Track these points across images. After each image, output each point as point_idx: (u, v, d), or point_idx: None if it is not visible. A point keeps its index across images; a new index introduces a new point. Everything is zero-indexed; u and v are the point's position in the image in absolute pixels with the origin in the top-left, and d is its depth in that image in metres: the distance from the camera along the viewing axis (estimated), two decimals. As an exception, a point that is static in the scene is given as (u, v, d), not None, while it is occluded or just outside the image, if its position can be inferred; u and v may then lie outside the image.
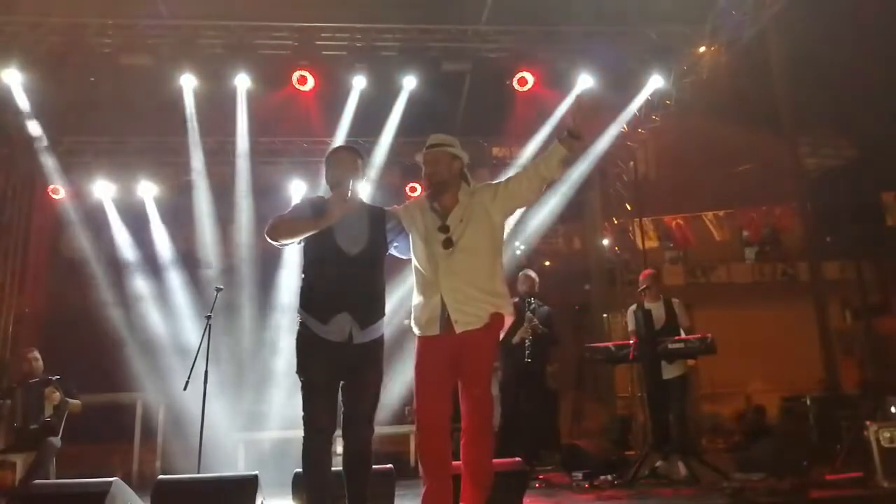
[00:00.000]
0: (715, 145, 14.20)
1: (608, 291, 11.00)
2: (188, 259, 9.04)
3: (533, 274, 6.60)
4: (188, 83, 7.66)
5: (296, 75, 7.68)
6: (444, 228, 3.45)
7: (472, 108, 9.43)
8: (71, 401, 6.02)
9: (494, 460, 3.61)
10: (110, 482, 3.86)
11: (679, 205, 13.18)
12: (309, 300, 3.44)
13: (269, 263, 8.82)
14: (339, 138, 8.45)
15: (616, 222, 10.71)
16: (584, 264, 11.77)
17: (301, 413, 3.32)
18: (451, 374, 3.38)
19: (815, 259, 6.23)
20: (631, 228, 10.61)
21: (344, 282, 3.40)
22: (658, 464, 5.72)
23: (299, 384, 3.37)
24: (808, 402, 6.37)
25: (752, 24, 7.57)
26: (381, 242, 3.57)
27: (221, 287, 5.37)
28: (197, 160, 8.31)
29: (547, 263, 12.29)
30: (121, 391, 7.60)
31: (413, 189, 10.10)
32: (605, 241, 11.06)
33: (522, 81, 8.05)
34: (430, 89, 8.36)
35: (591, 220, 11.43)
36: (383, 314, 3.52)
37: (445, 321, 3.37)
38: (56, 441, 5.82)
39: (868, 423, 4.48)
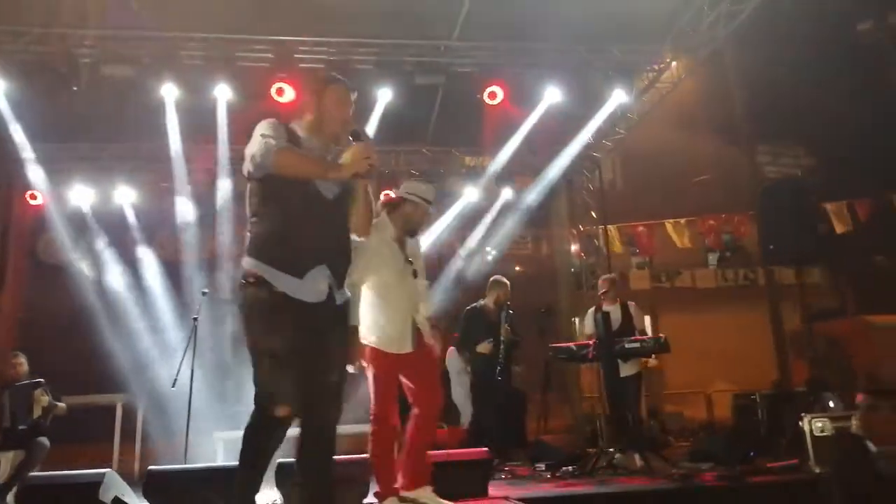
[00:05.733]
0: (679, 155, 14.77)
1: (575, 295, 11.41)
2: (167, 263, 9.25)
3: (506, 280, 6.82)
4: (169, 93, 7.88)
5: (274, 87, 7.95)
6: (409, 261, 4.05)
7: (445, 119, 9.80)
8: (58, 404, 6.24)
9: (462, 451, 4.52)
10: (104, 473, 4.10)
11: (644, 212, 13.66)
12: (275, 251, 2.79)
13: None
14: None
15: (582, 229, 11.15)
16: (553, 269, 12.17)
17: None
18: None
19: (768, 265, 6.71)
20: (597, 235, 11.02)
21: (322, 229, 2.90)
22: (616, 456, 6.12)
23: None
24: (758, 399, 6.82)
25: (709, 42, 8.05)
26: (352, 189, 3.05)
27: (207, 291, 5.63)
28: (179, 167, 8.50)
29: (518, 269, 12.67)
30: (101, 393, 7.78)
31: (388, 196, 10.39)
32: (573, 247, 11.48)
33: (492, 95, 8.41)
34: (404, 101, 8.70)
35: (559, 226, 11.84)
36: None
37: (416, 338, 3.96)
38: (45, 441, 6.03)
39: (803, 415, 4.92)
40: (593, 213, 10.91)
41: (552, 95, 8.49)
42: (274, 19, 7.82)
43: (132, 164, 9.56)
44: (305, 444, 2.73)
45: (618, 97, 8.58)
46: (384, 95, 8.37)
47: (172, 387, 5.12)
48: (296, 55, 8.06)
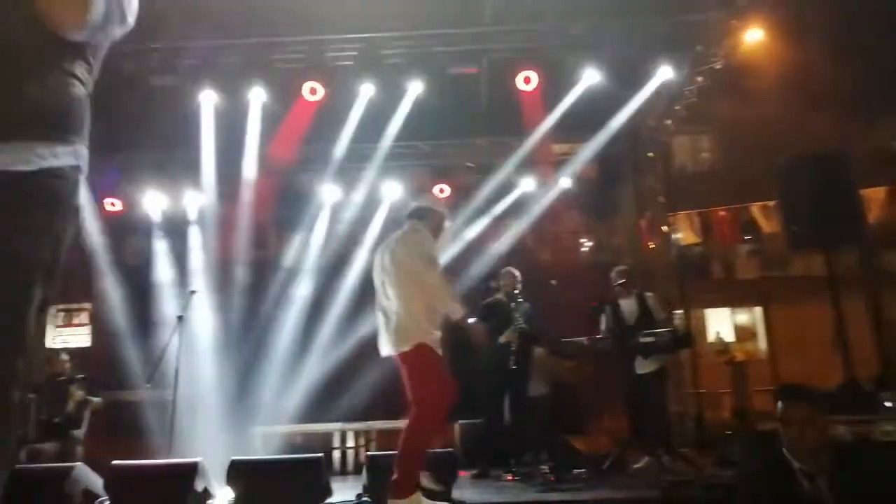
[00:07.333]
0: (776, 132, 13.60)
1: (649, 287, 10.74)
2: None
3: (516, 271, 6.49)
4: (208, 99, 8.15)
5: (307, 86, 8.05)
6: None
7: (497, 109, 9.50)
8: (93, 399, 6.65)
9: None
10: (196, 462, 4.28)
11: (739, 195, 12.69)
12: None
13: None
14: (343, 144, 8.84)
15: (650, 216, 10.46)
16: (619, 262, 11.58)
17: None
18: None
19: (792, 249, 5.96)
20: (667, 223, 10.32)
21: None
22: (645, 460, 5.67)
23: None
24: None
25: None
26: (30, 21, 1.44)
27: (195, 290, 5.77)
28: (208, 173, 8.74)
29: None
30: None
31: (441, 190, 10.27)
32: (673, 236, 10.75)
33: (527, 80, 8.07)
34: (448, 93, 8.54)
35: (626, 216, 11.22)
36: (68, 137, 1.48)
37: None
38: (78, 433, 6.44)
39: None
40: (661, 199, 10.21)
41: (591, 77, 7.99)
42: (304, 21, 7.89)
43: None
44: None
45: (663, 74, 7.98)
46: (416, 88, 8.19)
47: (146, 384, 5.28)
48: (326, 54, 8.11)
